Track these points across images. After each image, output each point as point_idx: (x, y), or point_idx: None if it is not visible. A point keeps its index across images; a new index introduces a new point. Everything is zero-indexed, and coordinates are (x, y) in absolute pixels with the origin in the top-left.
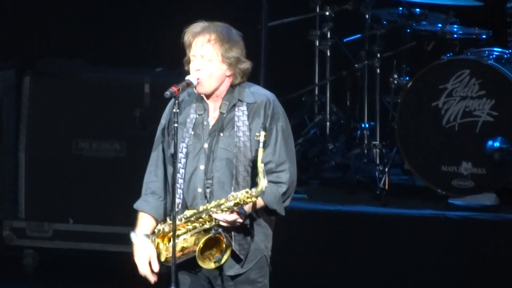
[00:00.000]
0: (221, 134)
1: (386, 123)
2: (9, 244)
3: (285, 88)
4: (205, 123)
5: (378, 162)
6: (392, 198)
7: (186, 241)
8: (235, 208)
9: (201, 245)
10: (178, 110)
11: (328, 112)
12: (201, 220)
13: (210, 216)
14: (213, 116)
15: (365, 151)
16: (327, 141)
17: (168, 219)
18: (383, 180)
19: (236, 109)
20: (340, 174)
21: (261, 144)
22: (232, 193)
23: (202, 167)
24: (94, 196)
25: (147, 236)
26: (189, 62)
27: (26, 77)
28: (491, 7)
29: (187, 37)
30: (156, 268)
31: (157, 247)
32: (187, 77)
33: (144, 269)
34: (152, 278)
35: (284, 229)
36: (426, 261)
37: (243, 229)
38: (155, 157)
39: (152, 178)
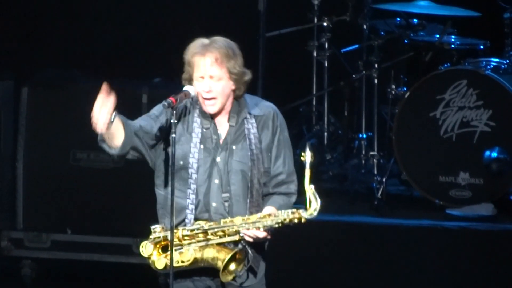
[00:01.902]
0: (234, 147)
1: (383, 134)
2: (7, 255)
3: (283, 98)
4: (214, 137)
5: (375, 172)
6: (389, 208)
7: (196, 251)
8: (277, 226)
9: (226, 260)
10: (176, 121)
11: (325, 122)
12: (220, 233)
13: (236, 231)
14: (221, 129)
15: (363, 161)
16: (324, 151)
17: (164, 225)
18: (381, 191)
19: (245, 121)
20: (338, 184)
21: (307, 165)
22: (270, 211)
23: (216, 181)
24: (92, 207)
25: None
26: (190, 80)
27: (24, 88)
28: (489, 18)
29: (191, 56)
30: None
31: (151, 254)
32: (185, 87)
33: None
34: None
35: (282, 239)
36: (424, 271)
37: (258, 242)
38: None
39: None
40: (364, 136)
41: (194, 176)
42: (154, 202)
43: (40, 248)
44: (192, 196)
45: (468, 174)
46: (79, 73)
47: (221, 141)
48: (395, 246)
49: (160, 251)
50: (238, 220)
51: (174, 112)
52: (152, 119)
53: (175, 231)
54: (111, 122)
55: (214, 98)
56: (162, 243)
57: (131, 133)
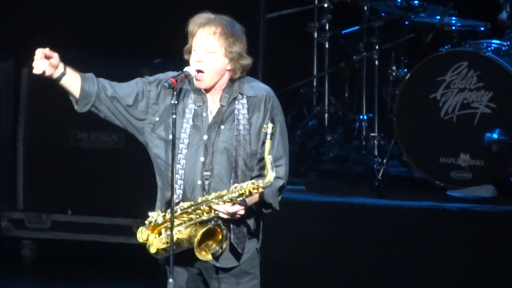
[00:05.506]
0: (222, 127)
1: (384, 115)
2: (8, 235)
3: (283, 79)
4: (204, 114)
5: (376, 154)
6: (390, 190)
7: (181, 232)
8: (239, 199)
9: (199, 237)
10: (176, 102)
11: (326, 104)
12: (198, 211)
13: (210, 207)
14: (212, 108)
15: (363, 143)
16: (325, 133)
17: (159, 210)
18: (381, 172)
19: (236, 102)
20: (338, 166)
21: (268, 136)
22: (236, 184)
23: (201, 159)
24: (92, 187)
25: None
26: (190, 52)
27: (24, 69)
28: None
29: (192, 27)
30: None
31: (147, 239)
32: (186, 68)
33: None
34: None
35: (282, 220)
36: (424, 253)
37: (241, 221)
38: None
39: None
40: (365, 117)
41: (184, 151)
42: (155, 183)
43: (40, 228)
44: (181, 171)
45: (469, 156)
46: (80, 53)
47: (209, 120)
48: (396, 228)
49: (156, 235)
50: (211, 196)
51: (175, 93)
52: (136, 87)
53: (163, 214)
54: (63, 74)
55: (202, 72)
56: (157, 227)
57: (92, 92)
